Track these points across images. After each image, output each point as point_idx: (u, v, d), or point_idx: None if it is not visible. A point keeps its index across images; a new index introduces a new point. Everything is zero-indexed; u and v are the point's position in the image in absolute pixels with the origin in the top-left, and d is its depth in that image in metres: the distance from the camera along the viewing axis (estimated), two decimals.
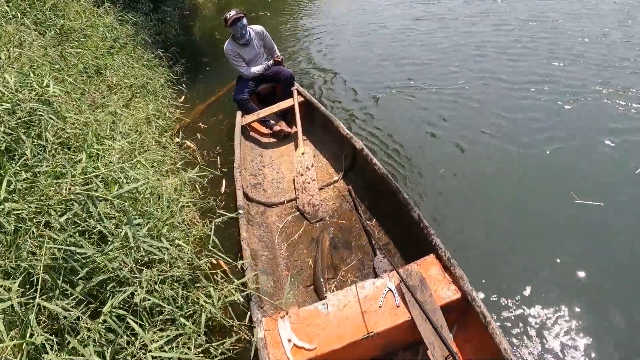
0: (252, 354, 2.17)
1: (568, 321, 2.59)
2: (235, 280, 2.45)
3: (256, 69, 4.89)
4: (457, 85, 5.40)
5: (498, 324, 2.21)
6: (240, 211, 3.19)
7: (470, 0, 8.55)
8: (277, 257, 3.25)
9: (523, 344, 2.51)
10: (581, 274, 2.80)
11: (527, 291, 2.76)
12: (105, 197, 1.80)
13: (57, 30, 4.16)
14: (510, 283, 2.81)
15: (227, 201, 3.71)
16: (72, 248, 1.68)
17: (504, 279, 2.85)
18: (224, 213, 2.88)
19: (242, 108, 4.88)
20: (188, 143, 4.73)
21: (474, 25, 7.25)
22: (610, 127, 4.12)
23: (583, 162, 3.72)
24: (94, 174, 1.92)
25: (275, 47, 5.07)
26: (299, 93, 4.92)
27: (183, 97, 6.10)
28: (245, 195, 3.61)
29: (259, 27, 4.90)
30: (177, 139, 4.54)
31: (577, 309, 2.63)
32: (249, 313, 2.39)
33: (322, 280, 2.95)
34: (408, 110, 5.06)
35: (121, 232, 1.90)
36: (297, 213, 3.68)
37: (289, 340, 2.23)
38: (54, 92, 2.41)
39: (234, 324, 2.41)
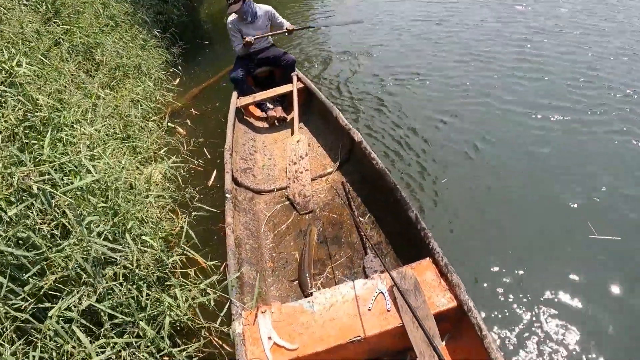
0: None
1: (569, 349, 2.41)
2: (204, 281, 2.30)
3: (249, 37, 4.61)
4: (466, 93, 5.02)
5: (495, 338, 2.05)
6: (228, 195, 3.04)
7: (488, 5, 8.06)
8: (262, 247, 3.09)
9: None
10: (588, 307, 2.60)
11: (528, 313, 2.57)
12: (54, 192, 1.64)
13: (49, 6, 4.01)
14: (510, 303, 2.64)
15: (216, 194, 3.57)
16: (3, 248, 1.52)
17: (504, 298, 2.68)
18: (203, 206, 2.75)
19: (237, 88, 4.72)
20: (177, 128, 4.59)
21: (492, 32, 6.73)
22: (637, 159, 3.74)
23: (604, 192, 3.38)
24: (48, 164, 1.76)
25: (287, 23, 4.82)
26: (299, 79, 4.74)
27: (178, 79, 5.94)
28: (234, 180, 3.46)
29: (267, 7, 4.72)
30: (167, 123, 4.40)
31: (581, 340, 2.44)
32: (227, 306, 2.23)
33: (307, 275, 2.79)
34: (412, 107, 4.80)
35: (77, 228, 1.75)
36: (287, 202, 3.52)
37: (269, 338, 2.08)
38: (24, 72, 2.26)
39: (204, 325, 2.29)
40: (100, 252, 1.76)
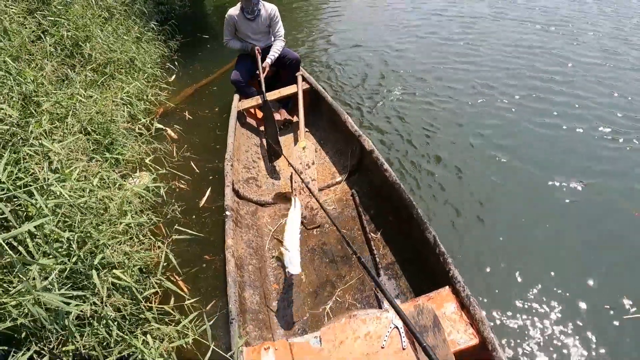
0: None
1: None
2: (183, 320, 2.05)
3: (235, 45, 4.48)
4: (476, 139, 4.25)
5: None
6: (228, 213, 2.79)
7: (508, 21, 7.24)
8: (266, 267, 2.87)
9: None
10: None
11: None
12: None
13: None
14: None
15: (209, 219, 3.33)
16: None
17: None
18: (188, 231, 2.51)
19: (239, 91, 4.43)
20: (168, 131, 4.32)
21: (513, 58, 5.83)
22: None
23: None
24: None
25: (282, 33, 4.50)
26: (304, 79, 4.47)
27: (174, 76, 5.65)
28: (236, 193, 3.23)
29: (271, 7, 4.38)
30: (157, 124, 4.14)
31: None
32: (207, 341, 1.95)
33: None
34: (427, 119, 4.44)
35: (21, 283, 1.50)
36: None
37: None
38: None
39: None
40: (56, 304, 1.51)
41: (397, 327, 1.97)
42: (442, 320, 1.96)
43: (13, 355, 1.52)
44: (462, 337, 1.93)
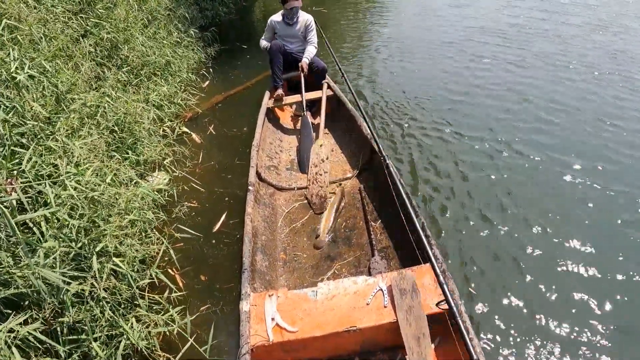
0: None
1: None
2: (171, 310, 2.33)
3: (265, 45, 4.96)
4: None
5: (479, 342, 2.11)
6: (250, 188, 3.33)
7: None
8: (277, 240, 3.33)
9: None
10: None
11: None
12: (9, 219, 1.65)
13: None
14: None
15: (222, 244, 3.36)
16: None
17: None
18: (188, 230, 2.74)
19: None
20: (194, 136, 4.62)
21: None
22: None
23: None
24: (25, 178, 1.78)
25: (315, 40, 4.94)
26: (329, 87, 4.93)
27: (207, 82, 5.94)
28: (258, 175, 3.74)
29: (308, 17, 4.90)
30: (183, 127, 4.46)
31: None
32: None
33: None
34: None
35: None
36: (305, 201, 3.75)
37: (273, 319, 2.24)
38: (21, 80, 2.31)
39: (160, 354, 2.31)
40: (53, 280, 1.77)
41: (381, 289, 2.35)
42: (420, 289, 2.29)
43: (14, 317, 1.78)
44: (434, 303, 2.24)
